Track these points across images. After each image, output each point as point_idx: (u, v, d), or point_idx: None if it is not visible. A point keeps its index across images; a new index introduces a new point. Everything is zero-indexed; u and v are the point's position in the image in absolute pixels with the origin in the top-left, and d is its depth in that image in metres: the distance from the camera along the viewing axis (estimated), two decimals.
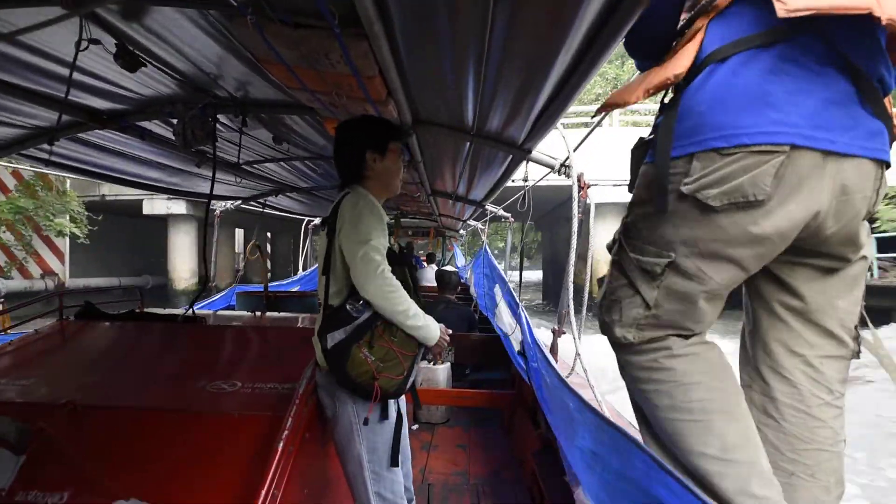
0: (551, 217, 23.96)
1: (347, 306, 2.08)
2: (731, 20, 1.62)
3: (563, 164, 3.12)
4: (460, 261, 16.06)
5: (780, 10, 1.42)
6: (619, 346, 1.82)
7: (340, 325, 2.06)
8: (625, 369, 1.85)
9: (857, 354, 1.73)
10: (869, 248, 1.70)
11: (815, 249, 1.65)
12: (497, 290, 5.57)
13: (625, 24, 1.59)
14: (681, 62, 1.64)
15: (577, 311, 3.29)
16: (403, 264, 2.23)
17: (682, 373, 1.68)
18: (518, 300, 4.47)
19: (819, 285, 1.69)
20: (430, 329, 2.19)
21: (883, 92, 1.56)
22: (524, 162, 3.60)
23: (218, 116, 3.06)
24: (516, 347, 3.85)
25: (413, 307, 2.12)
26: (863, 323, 1.74)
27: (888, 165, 1.59)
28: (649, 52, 1.84)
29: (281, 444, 1.88)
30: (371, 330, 2.07)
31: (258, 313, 3.97)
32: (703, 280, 1.63)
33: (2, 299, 3.63)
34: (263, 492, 1.73)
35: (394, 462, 2.16)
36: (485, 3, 1.63)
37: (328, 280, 2.17)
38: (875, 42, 1.54)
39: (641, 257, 1.73)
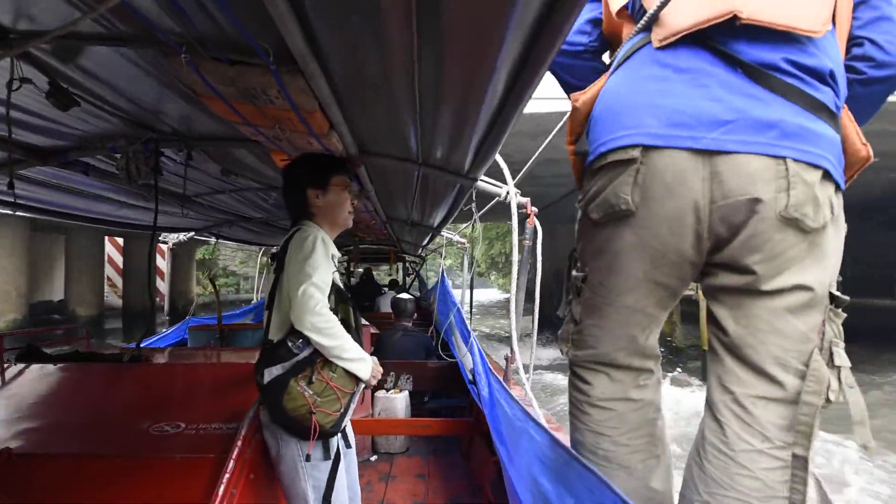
0: (552, 215, 21.41)
1: (288, 342, 2.07)
2: (624, 47, 1.71)
3: (507, 192, 3.17)
4: (418, 285, 16.04)
5: (655, 42, 1.51)
6: (570, 366, 1.87)
7: (279, 361, 2.05)
8: (569, 390, 1.89)
9: (826, 400, 1.45)
10: (813, 274, 1.46)
11: (722, 263, 1.54)
12: (451, 316, 5.57)
13: (545, 60, 1.63)
14: (587, 93, 1.75)
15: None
16: (348, 301, 2.24)
17: (596, 422, 1.73)
18: (469, 327, 4.48)
19: (741, 315, 1.53)
20: (365, 364, 2.20)
21: (810, 82, 1.46)
22: (472, 190, 3.64)
23: (163, 151, 3.03)
24: (468, 376, 3.86)
25: (348, 342, 2.13)
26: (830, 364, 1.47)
27: (817, 165, 1.42)
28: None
29: (222, 487, 1.85)
30: (311, 366, 2.07)
31: (210, 349, 3.91)
32: (607, 293, 1.67)
33: None
34: None
35: (326, 499, 2.13)
36: (408, 44, 1.67)
37: (270, 315, 2.16)
38: (779, 34, 1.46)
39: (574, 274, 1.81)
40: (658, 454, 1.74)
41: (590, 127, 1.72)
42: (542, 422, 1.79)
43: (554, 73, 2.11)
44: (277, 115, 2.25)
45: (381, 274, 19.58)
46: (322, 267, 2.12)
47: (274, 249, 8.89)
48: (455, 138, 2.68)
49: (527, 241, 3.25)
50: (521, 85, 1.87)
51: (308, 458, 2.09)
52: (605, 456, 1.69)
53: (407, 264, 17.06)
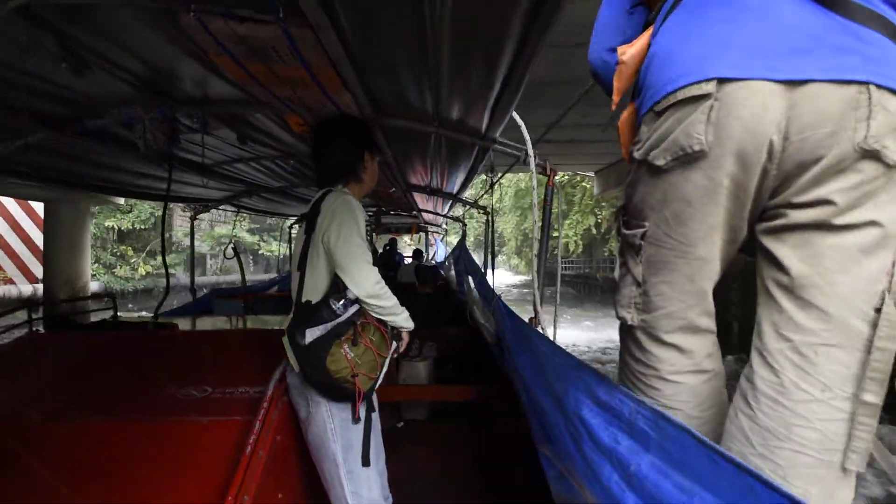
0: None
1: (332, 302, 2.06)
2: None
3: (525, 153, 3.12)
4: (440, 255, 16.06)
5: None
6: (622, 329, 1.76)
7: (321, 322, 2.05)
8: (623, 360, 1.79)
9: None
10: (887, 212, 1.37)
11: (791, 198, 1.44)
12: (470, 280, 5.55)
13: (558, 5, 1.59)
14: (635, 45, 1.65)
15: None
16: (378, 265, 2.25)
17: (665, 396, 1.62)
18: (493, 290, 4.46)
19: (806, 254, 1.42)
20: (409, 320, 2.26)
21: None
22: (490, 152, 3.60)
23: (179, 118, 3.03)
24: (492, 338, 3.84)
25: (397, 302, 2.20)
26: None
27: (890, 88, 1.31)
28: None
29: (250, 448, 1.87)
30: (353, 327, 2.07)
31: (234, 316, 3.94)
32: (676, 245, 1.55)
33: None
34: (232, 497, 1.72)
35: (365, 461, 2.15)
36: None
37: (303, 276, 2.16)
38: None
39: (627, 231, 1.68)
40: (723, 424, 1.63)
41: (646, 73, 1.61)
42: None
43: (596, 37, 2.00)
44: (289, 75, 2.23)
45: (401, 244, 19.64)
46: (363, 231, 2.16)
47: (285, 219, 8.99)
48: (471, 97, 2.65)
49: (548, 203, 3.20)
50: (534, 35, 1.84)
51: (344, 421, 2.12)
52: None
53: (429, 235, 17.10)
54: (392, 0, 1.75)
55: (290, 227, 9.55)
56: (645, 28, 1.72)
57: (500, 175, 4.33)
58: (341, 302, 2.06)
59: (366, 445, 2.15)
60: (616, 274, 1.78)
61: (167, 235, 26.25)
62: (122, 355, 2.83)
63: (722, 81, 1.37)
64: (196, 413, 2.12)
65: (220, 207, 6.62)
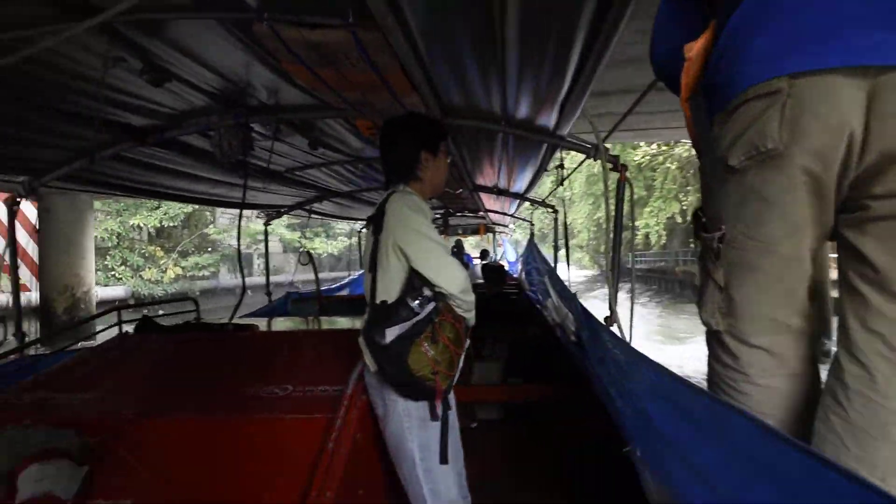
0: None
1: (409, 301, 2.07)
2: None
3: (596, 148, 3.06)
4: (511, 255, 15.98)
5: None
6: (708, 335, 1.68)
7: (400, 321, 2.05)
8: (711, 365, 1.70)
9: None
10: None
11: (875, 190, 1.36)
12: (546, 279, 5.49)
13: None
14: (701, 40, 1.58)
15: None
16: None
17: (756, 402, 1.54)
18: (569, 288, 4.40)
19: (892, 246, 1.35)
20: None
21: None
22: (558, 149, 3.56)
23: (252, 126, 3.11)
24: (569, 337, 3.79)
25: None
26: None
27: None
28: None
29: (331, 445, 1.90)
30: (431, 325, 2.07)
31: (311, 318, 4.02)
32: (759, 246, 1.48)
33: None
34: (315, 493, 1.74)
35: (443, 459, 2.16)
36: None
37: (375, 277, 2.19)
38: None
39: (705, 234, 1.61)
40: (829, 376, 1.57)
41: (714, 71, 1.55)
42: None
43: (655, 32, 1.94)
44: (359, 79, 2.26)
45: (467, 245, 19.65)
46: (432, 227, 2.16)
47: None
48: (540, 94, 2.62)
49: (620, 198, 3.13)
50: (606, 29, 1.81)
51: (420, 418, 2.12)
52: None
53: (496, 236, 17.07)
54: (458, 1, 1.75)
55: (360, 232, 9.69)
56: (709, 21, 1.66)
57: (569, 172, 4.26)
58: (418, 300, 2.07)
59: (443, 443, 2.13)
60: (697, 278, 1.71)
61: (204, 231, 25.20)
62: (207, 355, 2.92)
63: (794, 75, 1.31)
64: (279, 411, 2.16)
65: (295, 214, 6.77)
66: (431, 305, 2.07)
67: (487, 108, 2.95)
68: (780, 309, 1.51)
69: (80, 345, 3.12)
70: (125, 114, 2.87)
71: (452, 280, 2.09)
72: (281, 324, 3.90)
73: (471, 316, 2.22)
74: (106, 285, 20.48)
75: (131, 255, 22.08)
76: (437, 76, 2.47)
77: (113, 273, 21.45)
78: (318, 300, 4.47)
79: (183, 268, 23.76)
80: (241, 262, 3.61)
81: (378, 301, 2.11)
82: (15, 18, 1.89)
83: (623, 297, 3.42)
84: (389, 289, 2.12)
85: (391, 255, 2.10)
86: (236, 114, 2.94)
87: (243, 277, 3.86)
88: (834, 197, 1.41)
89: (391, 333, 2.03)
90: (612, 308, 3.46)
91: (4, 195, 3.69)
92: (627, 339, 3.09)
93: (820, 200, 1.41)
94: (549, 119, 3.03)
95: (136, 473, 1.85)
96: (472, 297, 2.16)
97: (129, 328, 3.27)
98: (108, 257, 21.58)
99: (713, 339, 1.64)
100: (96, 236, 19.22)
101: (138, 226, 22.11)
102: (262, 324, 3.71)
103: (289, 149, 3.91)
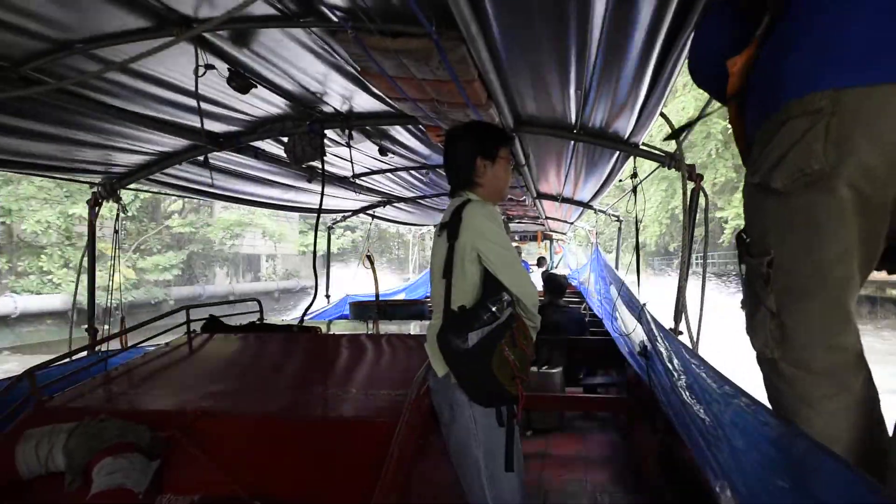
0: None
1: (491, 306, 2.07)
2: None
3: (672, 157, 2.99)
4: (572, 263, 15.79)
5: None
6: (761, 363, 1.59)
7: (482, 325, 2.05)
8: (769, 392, 1.61)
9: None
10: None
11: None
12: (613, 290, 5.40)
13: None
14: (745, 54, 1.52)
15: None
16: None
17: (820, 429, 1.44)
18: (639, 299, 4.31)
19: None
20: None
21: None
22: (631, 157, 3.49)
23: (325, 132, 3.15)
24: (636, 349, 3.71)
25: None
26: None
27: None
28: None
29: (395, 450, 1.89)
30: (510, 330, 2.07)
31: (372, 322, 4.05)
32: (811, 271, 1.40)
33: (121, 315, 3.92)
34: (379, 497, 1.74)
35: (508, 466, 2.13)
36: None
37: (450, 283, 2.18)
38: None
39: (752, 259, 1.54)
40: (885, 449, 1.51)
41: (754, 87, 1.50)
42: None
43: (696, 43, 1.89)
44: (437, 88, 2.26)
45: (524, 253, 19.51)
46: (508, 237, 2.18)
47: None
48: (621, 99, 2.58)
49: (693, 207, 3.05)
50: (685, 28, 1.77)
51: (486, 424, 2.10)
52: None
53: (554, 243, 16.91)
54: (543, 7, 1.73)
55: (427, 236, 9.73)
56: (752, 34, 1.59)
57: (640, 180, 4.18)
58: (498, 305, 2.07)
59: (509, 450, 2.12)
60: (743, 302, 1.63)
61: (166, 223, 21.96)
62: (271, 355, 2.97)
63: (838, 90, 1.24)
64: (344, 413, 2.18)
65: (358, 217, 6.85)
66: (510, 311, 2.07)
67: (562, 116, 2.92)
68: (836, 334, 1.42)
69: (147, 342, 3.20)
70: (207, 121, 2.95)
71: (530, 291, 2.10)
72: (342, 326, 3.94)
73: (535, 326, 2.22)
74: (38, 293, 17.04)
75: (76, 253, 17.21)
76: (514, 85, 2.46)
77: (51, 277, 17.53)
78: (376, 305, 4.49)
79: (140, 269, 19.90)
80: (315, 264, 3.66)
81: (455, 307, 2.10)
82: (115, 30, 1.96)
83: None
84: (467, 294, 2.11)
85: (467, 262, 2.09)
86: (311, 120, 2.98)
87: (316, 278, 3.89)
88: (889, 217, 1.32)
89: (474, 337, 2.01)
90: (677, 318, 3.38)
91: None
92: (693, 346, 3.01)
93: (870, 221, 1.32)
94: (625, 127, 2.97)
95: (204, 469, 1.88)
96: (537, 312, 2.19)
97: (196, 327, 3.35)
98: (42, 257, 17.48)
99: (767, 366, 1.55)
100: (26, 229, 16.28)
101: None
102: (323, 326, 3.75)
103: (358, 154, 3.95)
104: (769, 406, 1.58)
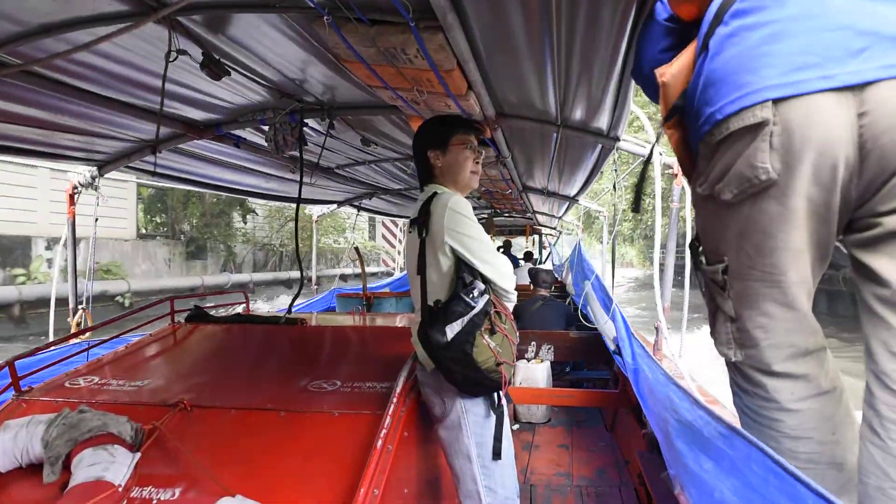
0: None
1: (464, 296, 2.06)
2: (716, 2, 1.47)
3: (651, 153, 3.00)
4: (556, 258, 15.85)
5: None
6: (728, 367, 1.63)
7: (458, 316, 2.04)
8: (735, 394, 1.64)
9: None
10: None
11: (881, 207, 1.32)
12: (587, 284, 5.43)
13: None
14: (674, 64, 1.54)
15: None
16: None
17: (791, 427, 1.47)
18: (611, 295, 4.34)
19: None
20: None
21: None
22: (614, 150, 3.50)
23: (306, 121, 3.14)
24: (611, 346, 3.74)
25: None
26: None
27: None
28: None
29: (380, 442, 1.89)
30: (488, 317, 2.08)
31: (358, 314, 4.04)
32: (765, 276, 1.43)
33: (82, 306, 3.88)
34: (364, 490, 1.74)
35: (496, 454, 2.15)
36: None
37: (425, 278, 2.19)
38: None
39: (707, 267, 1.57)
40: (859, 439, 1.53)
41: (693, 96, 1.49)
42: (695, 393, 1.67)
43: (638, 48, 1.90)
44: (416, 76, 2.25)
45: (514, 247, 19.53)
46: (478, 225, 2.16)
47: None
48: (596, 96, 2.59)
49: (674, 204, 3.07)
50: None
51: (476, 413, 2.13)
52: (808, 458, 1.46)
53: (542, 237, 16.95)
54: (515, 3, 1.74)
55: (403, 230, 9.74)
56: (683, 44, 1.60)
57: (623, 174, 4.20)
58: (473, 293, 2.06)
59: (498, 437, 2.14)
60: (707, 309, 1.66)
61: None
62: (257, 347, 2.96)
63: (777, 102, 1.26)
64: (327, 406, 2.17)
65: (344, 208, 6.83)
66: (486, 297, 2.07)
67: (543, 108, 2.92)
68: (796, 334, 1.46)
69: (130, 333, 3.18)
70: (185, 107, 2.93)
71: (507, 275, 2.14)
72: (329, 319, 3.93)
73: (512, 303, 2.25)
74: None
75: None
76: (493, 75, 2.46)
77: None
78: (363, 297, 4.49)
79: None
80: (298, 256, 3.64)
81: (431, 301, 2.11)
82: (88, 13, 1.94)
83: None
84: (442, 287, 2.12)
85: (439, 255, 2.10)
86: (292, 109, 2.96)
87: (301, 270, 3.89)
88: (837, 218, 1.35)
89: (451, 330, 2.02)
90: (660, 319, 3.40)
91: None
92: (679, 356, 3.04)
93: (821, 223, 1.35)
94: (604, 121, 2.98)
95: (185, 461, 1.88)
96: (514, 289, 2.23)
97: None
98: None
99: (733, 370, 1.59)
100: None
101: None
102: (311, 318, 3.73)
103: (341, 145, 3.94)
104: (733, 409, 1.63)
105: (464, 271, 2.08)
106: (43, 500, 1.73)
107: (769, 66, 1.29)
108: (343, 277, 23.45)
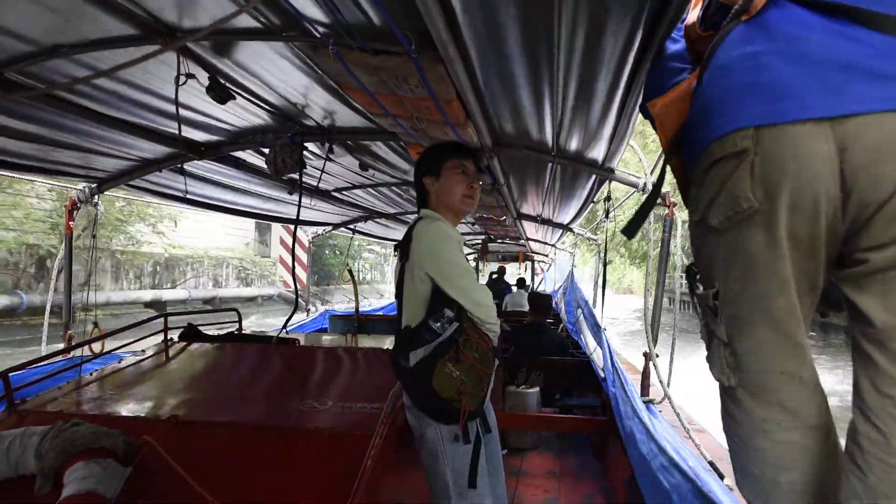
0: None
1: (431, 323, 2.09)
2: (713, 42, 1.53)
3: (644, 184, 3.06)
4: (547, 285, 15.87)
5: (743, 18, 1.35)
6: (721, 392, 1.62)
7: (422, 343, 2.07)
8: (724, 420, 1.64)
9: None
10: None
11: (866, 242, 1.31)
12: (579, 312, 5.46)
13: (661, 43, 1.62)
14: (669, 95, 1.61)
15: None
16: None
17: (775, 457, 1.49)
18: (600, 322, 4.37)
19: (892, 302, 1.30)
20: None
21: None
22: (607, 181, 3.56)
23: (306, 145, 3.18)
24: (600, 373, 3.77)
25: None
26: None
27: None
28: None
29: (370, 462, 1.91)
30: (455, 346, 2.08)
31: (350, 336, 4.06)
32: (753, 302, 1.44)
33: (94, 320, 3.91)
34: None
35: (471, 482, 2.14)
36: (549, 30, 1.69)
37: (401, 302, 2.21)
38: None
39: (701, 291, 1.58)
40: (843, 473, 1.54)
41: (686, 126, 1.55)
42: (686, 426, 1.69)
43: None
44: (416, 105, 2.30)
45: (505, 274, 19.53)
46: (458, 251, 2.19)
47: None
48: (592, 128, 2.64)
49: (666, 234, 3.12)
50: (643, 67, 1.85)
51: (452, 440, 2.12)
52: (791, 489, 1.48)
53: (536, 264, 16.99)
54: (521, 33, 1.78)
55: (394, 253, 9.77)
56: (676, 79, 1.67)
57: (616, 205, 4.25)
58: (440, 322, 2.08)
59: (473, 466, 2.12)
60: (701, 335, 1.66)
61: None
62: (250, 365, 2.98)
63: (759, 129, 1.29)
64: (318, 424, 2.19)
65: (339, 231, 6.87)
66: (454, 326, 2.08)
67: (539, 138, 2.98)
68: (787, 361, 1.45)
69: (123, 349, 3.20)
70: (187, 128, 2.97)
71: (478, 302, 2.12)
72: (321, 339, 3.94)
73: (495, 333, 2.22)
74: None
75: None
76: (492, 105, 2.51)
77: None
78: (356, 319, 4.50)
79: None
80: (294, 275, 3.67)
81: (403, 326, 2.14)
82: (101, 36, 1.99)
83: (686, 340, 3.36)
84: (414, 313, 2.14)
85: (416, 281, 2.13)
86: (292, 133, 3.01)
87: (296, 291, 3.91)
88: (824, 251, 1.36)
89: (415, 356, 2.05)
90: (650, 348, 3.42)
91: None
92: (666, 383, 3.06)
93: (805, 255, 1.36)
94: (599, 152, 3.04)
95: (176, 477, 1.89)
96: (495, 316, 2.20)
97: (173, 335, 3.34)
98: None
99: (726, 395, 1.59)
100: None
101: None
102: (302, 339, 3.75)
103: (339, 168, 3.99)
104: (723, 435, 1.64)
105: (436, 298, 2.11)
106: None
107: (752, 94, 1.32)
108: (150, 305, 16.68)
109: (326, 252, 27.10)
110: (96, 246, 4.12)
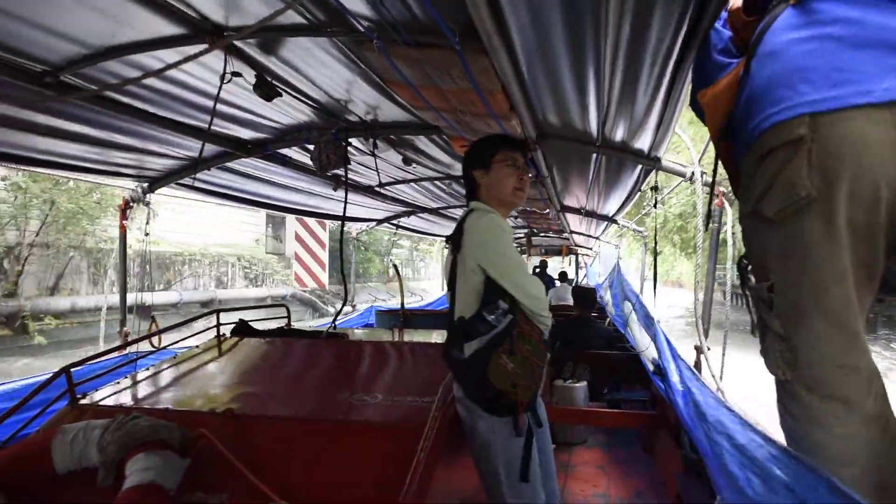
0: None
1: (486, 315, 2.07)
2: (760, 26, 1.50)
3: (692, 173, 3.01)
4: (593, 279, 15.68)
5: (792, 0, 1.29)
6: (777, 386, 1.58)
7: (478, 335, 2.06)
8: (782, 415, 1.60)
9: None
10: None
11: None
12: (627, 305, 5.38)
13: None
14: (718, 85, 1.56)
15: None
16: None
17: (835, 453, 1.44)
18: (653, 315, 4.30)
19: None
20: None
21: None
22: (654, 171, 3.50)
23: (350, 140, 3.21)
24: (650, 367, 3.70)
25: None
26: None
27: None
28: None
29: (421, 455, 1.90)
30: (510, 338, 2.06)
31: (397, 330, 4.08)
32: (810, 294, 1.40)
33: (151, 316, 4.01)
34: (406, 501, 1.76)
35: (523, 476, 2.13)
36: (595, 17, 1.67)
37: (455, 294, 2.21)
38: None
39: (754, 284, 1.54)
40: None
41: (735, 114, 1.53)
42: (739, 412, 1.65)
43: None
44: (460, 97, 2.30)
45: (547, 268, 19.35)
46: (510, 243, 2.18)
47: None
48: (638, 117, 2.60)
49: (715, 224, 3.05)
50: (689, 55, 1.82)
51: (504, 433, 2.10)
52: (851, 484, 1.43)
53: (579, 257, 16.81)
54: (566, 22, 1.77)
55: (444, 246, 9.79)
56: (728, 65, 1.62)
57: (663, 196, 4.17)
58: (495, 314, 2.06)
59: (525, 459, 2.10)
60: (753, 330, 1.63)
61: None
62: (300, 360, 3.02)
63: (815, 116, 1.25)
64: (369, 417, 2.20)
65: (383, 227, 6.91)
66: (509, 318, 2.06)
67: (583, 129, 2.95)
68: (845, 353, 1.41)
69: (177, 345, 3.27)
70: (234, 126, 3.02)
71: (531, 294, 2.10)
72: (369, 334, 3.97)
73: (546, 326, 2.20)
74: None
75: None
76: (535, 96, 2.49)
77: None
78: (401, 314, 4.53)
79: None
80: (343, 271, 3.71)
81: (456, 317, 2.13)
82: (151, 37, 2.04)
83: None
84: (468, 304, 2.13)
85: (468, 272, 2.11)
86: (336, 129, 3.04)
87: (345, 286, 3.96)
88: (884, 239, 1.32)
89: (469, 348, 2.03)
90: (701, 340, 3.36)
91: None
92: (718, 378, 3.00)
93: (864, 244, 1.32)
94: (645, 141, 2.99)
95: (232, 469, 1.92)
96: (547, 309, 2.17)
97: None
98: None
99: (782, 389, 1.55)
100: None
101: None
102: (350, 333, 3.78)
103: (382, 163, 4.01)
104: (781, 431, 1.59)
105: (489, 290, 2.09)
106: (98, 501, 1.79)
107: (805, 81, 1.28)
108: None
109: (350, 248, 26.56)
110: (148, 246, 4.22)
